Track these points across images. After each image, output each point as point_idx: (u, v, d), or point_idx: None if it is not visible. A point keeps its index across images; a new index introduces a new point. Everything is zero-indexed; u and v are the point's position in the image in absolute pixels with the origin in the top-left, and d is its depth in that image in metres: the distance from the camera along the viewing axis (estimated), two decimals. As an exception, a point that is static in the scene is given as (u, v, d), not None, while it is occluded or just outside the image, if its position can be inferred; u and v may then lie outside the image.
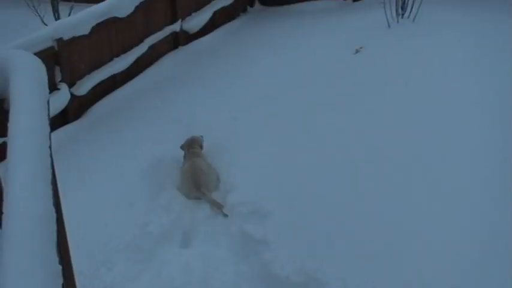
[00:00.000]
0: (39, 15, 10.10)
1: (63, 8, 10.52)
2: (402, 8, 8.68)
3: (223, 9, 11.03)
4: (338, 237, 4.73)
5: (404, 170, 5.41)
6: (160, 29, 9.74)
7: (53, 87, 7.81)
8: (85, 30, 8.05)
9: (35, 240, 1.31)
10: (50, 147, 1.87)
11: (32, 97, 1.84)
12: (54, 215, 1.49)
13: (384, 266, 4.40)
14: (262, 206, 5.42)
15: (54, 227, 1.45)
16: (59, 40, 7.61)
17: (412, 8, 8.56)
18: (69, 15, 9.80)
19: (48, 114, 1.98)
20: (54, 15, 10.42)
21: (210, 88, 8.34)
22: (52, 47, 7.56)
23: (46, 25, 9.01)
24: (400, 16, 8.65)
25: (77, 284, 4.89)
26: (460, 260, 4.31)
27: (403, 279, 4.27)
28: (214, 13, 10.78)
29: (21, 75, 1.92)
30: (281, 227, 5.08)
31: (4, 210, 1.44)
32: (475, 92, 6.38)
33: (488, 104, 6.12)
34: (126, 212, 5.73)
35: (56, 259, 1.37)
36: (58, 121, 7.98)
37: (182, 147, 6.55)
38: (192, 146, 6.46)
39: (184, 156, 6.47)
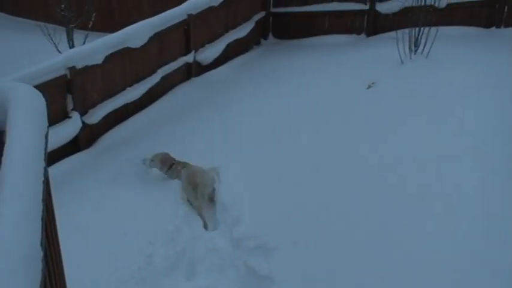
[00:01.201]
0: (54, 43, 10.18)
1: (78, 36, 10.63)
2: (415, 44, 8.67)
3: (236, 41, 11.10)
4: (342, 278, 4.63)
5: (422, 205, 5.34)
6: (173, 59, 9.79)
7: (64, 115, 7.86)
8: (98, 59, 8.11)
9: (17, 282, 1.28)
10: (45, 181, 1.84)
11: (28, 132, 1.82)
12: (41, 253, 1.46)
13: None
14: (268, 241, 5.36)
15: (39, 266, 1.42)
16: (72, 69, 7.67)
17: (425, 44, 8.55)
18: (84, 43, 9.88)
19: (46, 148, 1.96)
20: (69, 43, 10.52)
21: (220, 117, 8.35)
22: (65, 75, 7.62)
23: (60, 52, 9.08)
24: (413, 52, 8.64)
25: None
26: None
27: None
28: (228, 45, 10.84)
29: (19, 108, 1.91)
30: (286, 263, 5.02)
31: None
32: (484, 124, 6.37)
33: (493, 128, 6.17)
34: (132, 241, 5.69)
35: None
36: (69, 149, 8.00)
37: (153, 161, 6.95)
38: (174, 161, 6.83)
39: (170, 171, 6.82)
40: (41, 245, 1.51)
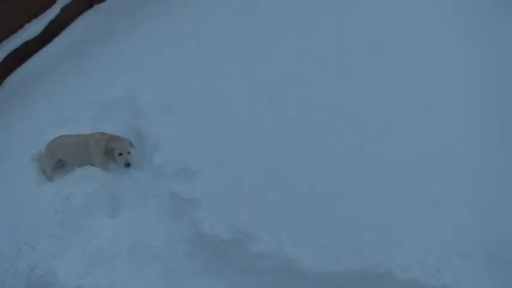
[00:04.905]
0: None
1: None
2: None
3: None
4: (268, 191, 4.51)
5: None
6: (72, -13, 9.15)
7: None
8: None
9: None
10: None
11: None
12: None
13: (315, 217, 4.25)
14: (190, 164, 5.14)
15: None
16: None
17: None
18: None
19: None
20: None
21: (133, 47, 7.87)
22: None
23: None
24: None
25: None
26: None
27: (335, 235, 4.12)
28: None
29: None
30: (210, 184, 4.83)
31: None
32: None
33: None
34: (46, 187, 5.40)
35: None
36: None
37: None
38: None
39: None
40: None
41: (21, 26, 8.23)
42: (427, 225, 4.00)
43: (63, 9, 8.85)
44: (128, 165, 5.42)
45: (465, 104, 5.20)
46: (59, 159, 5.73)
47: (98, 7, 9.57)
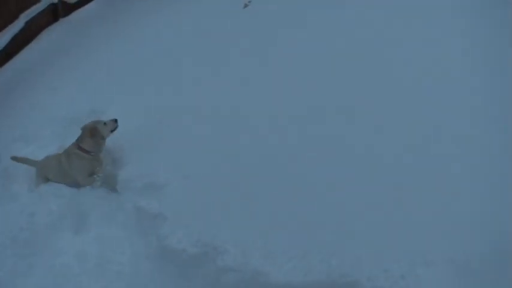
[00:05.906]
0: None
1: None
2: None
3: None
4: (235, 204, 4.50)
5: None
6: (36, 1, 9.05)
7: None
8: None
9: None
10: None
11: None
12: None
13: (283, 228, 4.25)
14: (157, 178, 5.10)
15: None
16: None
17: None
18: None
19: None
20: None
21: (97, 61, 7.81)
22: None
23: None
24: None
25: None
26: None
27: (302, 245, 4.12)
28: (93, -20, 10.15)
29: None
30: (176, 198, 4.81)
31: None
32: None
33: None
34: (10, 204, 5.30)
35: None
36: None
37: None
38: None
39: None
40: None
41: (-16, 40, 8.11)
42: (393, 233, 4.01)
43: (27, 23, 8.74)
44: (116, 121, 5.60)
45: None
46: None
47: (62, 21, 9.48)
